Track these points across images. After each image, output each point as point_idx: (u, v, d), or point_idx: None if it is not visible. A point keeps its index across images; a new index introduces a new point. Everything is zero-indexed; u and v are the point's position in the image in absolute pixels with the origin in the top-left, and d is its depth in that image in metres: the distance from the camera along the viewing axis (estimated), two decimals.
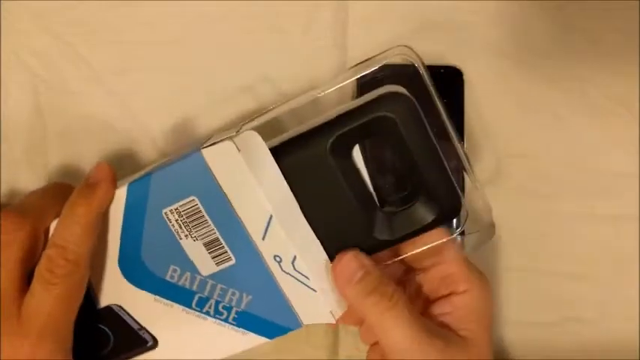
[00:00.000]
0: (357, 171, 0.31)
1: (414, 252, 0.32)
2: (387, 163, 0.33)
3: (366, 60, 0.32)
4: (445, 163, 0.30)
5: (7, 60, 0.39)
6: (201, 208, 0.31)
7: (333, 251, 0.31)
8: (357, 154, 0.31)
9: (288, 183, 0.30)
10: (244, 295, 0.32)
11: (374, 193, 0.31)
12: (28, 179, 0.39)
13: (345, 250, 0.31)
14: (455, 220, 0.33)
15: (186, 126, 0.40)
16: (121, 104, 0.39)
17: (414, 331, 0.29)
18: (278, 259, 0.31)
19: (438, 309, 0.32)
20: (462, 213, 0.32)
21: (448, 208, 0.31)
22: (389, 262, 0.32)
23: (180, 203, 0.31)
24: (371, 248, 0.31)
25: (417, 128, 0.30)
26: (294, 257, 0.31)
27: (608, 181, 0.40)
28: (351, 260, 0.30)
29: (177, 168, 0.31)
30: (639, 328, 0.39)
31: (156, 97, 0.39)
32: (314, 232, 0.31)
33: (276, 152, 0.30)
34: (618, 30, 0.40)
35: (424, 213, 0.31)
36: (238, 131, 0.30)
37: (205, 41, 0.40)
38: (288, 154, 0.30)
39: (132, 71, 0.39)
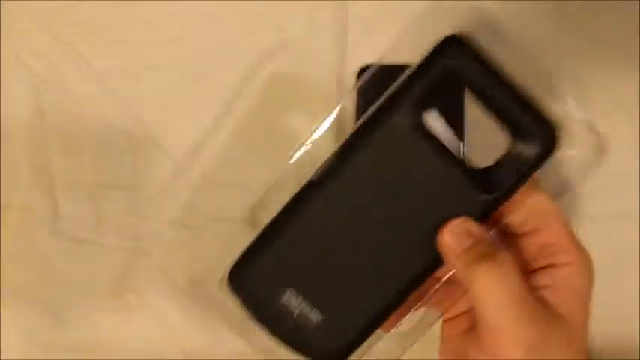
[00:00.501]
0: (437, 137, 0.29)
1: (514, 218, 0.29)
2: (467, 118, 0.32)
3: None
4: (528, 94, 0.28)
5: (7, 60, 0.39)
6: None
7: (436, 225, 0.28)
8: (434, 115, 0.29)
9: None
10: None
11: (465, 154, 0.29)
12: (29, 179, 0.39)
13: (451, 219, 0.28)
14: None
15: (186, 126, 0.40)
16: (122, 104, 0.40)
17: (521, 305, 0.27)
18: None
19: (536, 281, 0.29)
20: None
21: (546, 139, 0.28)
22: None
23: None
24: (480, 212, 0.28)
25: (484, 69, 0.28)
26: None
27: (608, 181, 0.40)
28: (460, 227, 0.28)
29: None
30: (639, 328, 0.39)
31: (156, 97, 0.39)
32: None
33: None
34: (618, 30, 0.40)
35: (523, 152, 0.28)
36: None
37: (205, 41, 0.40)
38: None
39: (132, 71, 0.39)
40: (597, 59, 0.40)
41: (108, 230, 0.39)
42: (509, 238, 0.30)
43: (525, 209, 0.29)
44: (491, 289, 0.27)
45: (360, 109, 0.39)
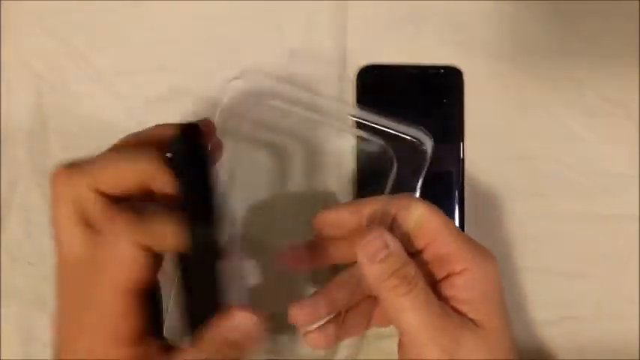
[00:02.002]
0: None
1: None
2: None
3: None
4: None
5: (8, 60, 0.39)
6: None
7: None
8: None
9: None
10: None
11: None
12: (30, 179, 0.39)
13: (373, 227, 0.30)
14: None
15: None
16: (123, 104, 0.40)
17: (428, 316, 0.28)
18: None
19: (443, 292, 0.30)
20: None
21: None
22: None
23: None
24: None
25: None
26: None
27: (607, 181, 0.40)
28: (376, 238, 0.29)
29: None
30: (639, 328, 0.39)
31: (157, 98, 0.39)
32: None
33: None
34: (617, 30, 0.40)
35: None
36: None
37: (206, 41, 0.40)
38: None
39: (133, 72, 0.39)
40: (597, 59, 0.40)
41: None
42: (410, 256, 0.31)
43: (412, 226, 0.30)
44: (410, 311, 0.28)
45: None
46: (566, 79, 0.40)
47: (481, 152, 0.40)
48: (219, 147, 0.31)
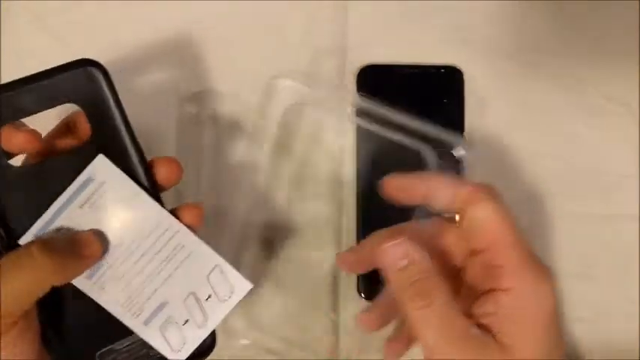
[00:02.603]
0: None
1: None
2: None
3: None
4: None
5: (7, 60, 0.39)
6: None
7: None
8: None
9: None
10: None
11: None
12: None
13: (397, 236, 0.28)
14: None
15: (186, 126, 0.40)
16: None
17: (442, 336, 0.26)
18: None
19: (481, 307, 0.28)
20: None
21: None
22: None
23: None
24: None
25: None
26: None
27: (608, 181, 0.40)
28: (397, 245, 0.28)
29: None
30: (639, 328, 0.39)
31: (156, 98, 0.39)
32: None
33: None
34: (618, 29, 0.40)
35: None
36: None
37: (205, 41, 0.40)
38: None
39: (132, 72, 0.39)
40: (598, 58, 0.40)
41: None
42: (458, 258, 0.30)
43: (473, 226, 0.28)
44: (425, 326, 0.27)
45: (361, 109, 0.39)
46: (568, 78, 0.40)
47: (481, 152, 0.40)
48: (176, 172, 0.31)
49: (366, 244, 0.33)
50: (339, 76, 0.40)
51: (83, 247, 0.29)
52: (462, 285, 0.29)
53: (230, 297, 0.31)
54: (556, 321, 0.27)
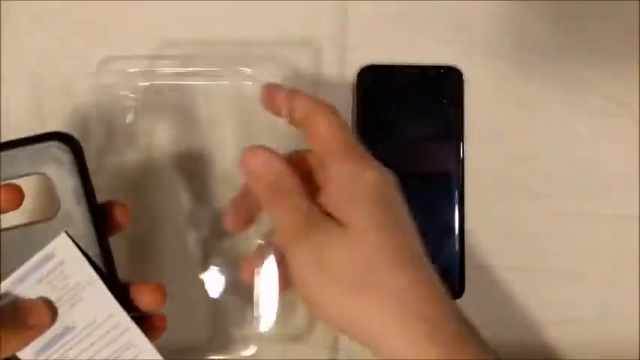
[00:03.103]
0: None
1: None
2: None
3: None
4: None
5: (7, 60, 0.39)
6: None
7: None
8: None
9: None
10: None
11: None
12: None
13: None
14: None
15: (186, 126, 0.40)
16: (123, 104, 0.39)
17: (293, 221, 0.30)
18: None
19: (321, 198, 0.31)
20: None
21: None
22: None
23: None
24: None
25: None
26: None
27: (608, 181, 0.40)
28: (259, 153, 0.31)
29: None
30: (639, 328, 0.39)
31: (157, 97, 0.39)
32: None
33: None
34: (618, 30, 0.40)
35: None
36: None
37: (205, 41, 0.40)
38: None
39: (132, 71, 0.39)
40: (598, 59, 0.40)
41: None
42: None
43: (313, 133, 0.32)
44: (280, 217, 0.30)
45: (361, 110, 0.39)
46: (567, 78, 0.40)
47: (481, 152, 0.40)
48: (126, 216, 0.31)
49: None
50: (339, 76, 0.40)
51: (29, 315, 0.28)
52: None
53: None
54: (390, 201, 0.30)
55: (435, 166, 0.39)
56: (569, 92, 0.40)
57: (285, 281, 0.32)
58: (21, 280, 0.29)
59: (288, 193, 0.30)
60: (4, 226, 0.29)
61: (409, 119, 0.39)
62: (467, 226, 0.39)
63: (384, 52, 0.40)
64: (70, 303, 0.29)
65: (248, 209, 0.33)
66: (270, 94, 0.32)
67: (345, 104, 0.40)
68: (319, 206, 0.30)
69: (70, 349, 0.29)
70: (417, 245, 0.30)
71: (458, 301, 0.39)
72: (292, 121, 0.32)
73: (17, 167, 0.29)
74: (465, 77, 0.40)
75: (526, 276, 0.39)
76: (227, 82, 0.38)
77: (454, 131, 0.39)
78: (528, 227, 0.40)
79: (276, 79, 0.34)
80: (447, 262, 0.39)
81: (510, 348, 0.40)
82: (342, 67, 0.40)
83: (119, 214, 0.31)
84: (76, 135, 0.30)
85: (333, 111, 0.32)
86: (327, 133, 0.31)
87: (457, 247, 0.39)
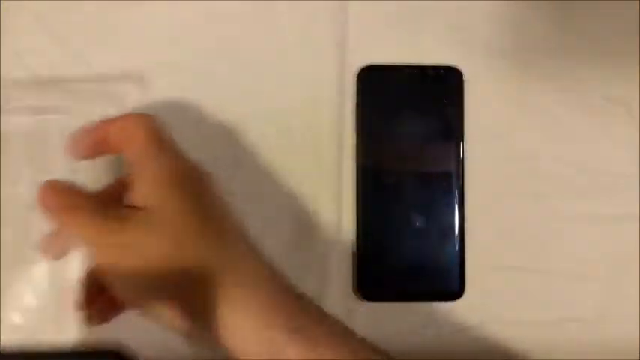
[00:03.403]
0: None
1: None
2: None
3: None
4: None
5: (7, 60, 0.39)
6: None
7: None
8: None
9: None
10: None
11: None
12: (29, 179, 0.39)
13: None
14: None
15: (186, 126, 0.39)
16: (122, 105, 0.39)
17: (95, 223, 0.30)
18: None
19: (126, 198, 0.31)
20: None
21: None
22: None
23: None
24: None
25: None
26: None
27: (608, 181, 0.40)
28: (47, 189, 0.31)
29: None
30: (639, 328, 0.39)
31: (156, 98, 0.39)
32: None
33: None
34: (618, 30, 0.40)
35: None
36: None
37: (205, 41, 0.40)
38: None
39: (132, 71, 0.39)
40: (598, 58, 0.40)
41: None
42: None
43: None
44: (79, 224, 0.30)
45: (361, 110, 0.39)
46: (567, 78, 0.40)
47: (481, 152, 0.40)
48: None
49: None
50: (339, 76, 0.40)
51: None
52: None
53: None
54: (188, 183, 0.31)
55: (435, 166, 0.39)
56: (569, 92, 0.40)
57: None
58: None
59: (77, 204, 0.31)
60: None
61: (409, 119, 0.39)
62: (467, 226, 0.39)
63: (384, 52, 0.40)
64: None
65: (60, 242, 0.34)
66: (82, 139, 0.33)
67: (345, 104, 0.40)
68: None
69: None
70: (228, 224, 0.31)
71: (458, 301, 0.39)
72: (109, 149, 0.33)
73: None
74: (465, 77, 0.40)
75: (526, 276, 0.39)
76: None
77: (454, 131, 0.39)
78: (528, 227, 0.40)
79: None
80: (447, 262, 0.39)
81: (509, 348, 0.40)
82: (342, 67, 0.40)
83: None
84: None
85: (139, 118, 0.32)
86: (134, 138, 0.32)
87: (457, 247, 0.39)
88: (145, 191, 0.30)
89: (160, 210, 0.30)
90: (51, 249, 0.34)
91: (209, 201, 0.32)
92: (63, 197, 0.31)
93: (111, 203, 0.31)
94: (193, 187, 0.31)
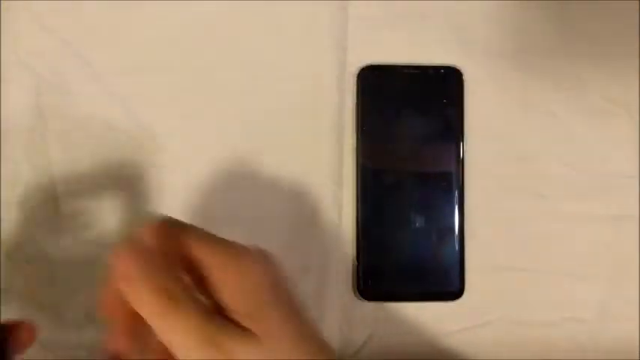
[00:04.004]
0: None
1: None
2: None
3: None
4: None
5: (7, 60, 0.39)
6: None
7: None
8: None
9: None
10: None
11: None
12: (29, 180, 0.39)
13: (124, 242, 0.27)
14: None
15: (186, 126, 0.40)
16: (122, 104, 0.39)
17: (197, 334, 0.25)
18: None
19: (220, 303, 0.26)
20: None
21: None
22: None
23: None
24: None
25: None
26: None
27: (608, 181, 0.40)
28: (128, 255, 0.26)
29: None
30: (639, 328, 0.39)
31: (156, 97, 0.39)
32: None
33: None
34: (618, 30, 0.40)
35: None
36: None
37: (205, 41, 0.40)
38: None
39: (132, 71, 0.39)
40: (598, 59, 0.40)
41: (109, 230, 0.39)
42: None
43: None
44: (165, 320, 0.25)
45: (361, 110, 0.39)
46: (567, 78, 0.40)
47: (481, 152, 0.40)
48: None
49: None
50: (339, 76, 0.40)
51: None
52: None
53: None
54: (284, 293, 0.27)
55: (435, 166, 0.39)
56: (569, 92, 0.40)
57: None
58: None
59: (180, 296, 0.25)
60: None
61: (409, 119, 0.39)
62: (467, 226, 0.39)
63: (384, 52, 0.40)
64: None
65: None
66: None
67: (345, 104, 0.40)
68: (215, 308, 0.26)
69: None
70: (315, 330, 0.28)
71: (458, 301, 0.39)
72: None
73: None
74: (465, 77, 0.40)
75: (526, 276, 0.39)
76: None
77: (454, 131, 0.39)
78: (528, 227, 0.40)
79: None
80: (447, 262, 0.39)
81: (510, 348, 0.40)
82: (342, 67, 0.40)
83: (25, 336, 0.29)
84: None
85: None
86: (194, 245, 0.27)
87: (457, 247, 0.39)
88: (240, 311, 0.26)
89: (263, 337, 0.25)
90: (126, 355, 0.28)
91: (298, 306, 0.28)
92: (162, 289, 0.25)
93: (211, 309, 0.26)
94: (286, 295, 0.27)
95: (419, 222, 0.39)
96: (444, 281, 0.39)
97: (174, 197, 0.39)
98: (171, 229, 0.27)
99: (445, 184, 0.39)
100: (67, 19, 0.40)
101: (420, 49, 0.40)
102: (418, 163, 0.39)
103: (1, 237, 0.39)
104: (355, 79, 0.40)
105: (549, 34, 0.40)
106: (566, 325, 0.39)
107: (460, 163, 0.39)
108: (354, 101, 0.40)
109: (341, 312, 0.39)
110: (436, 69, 0.40)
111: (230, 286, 0.26)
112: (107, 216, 0.39)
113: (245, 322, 0.26)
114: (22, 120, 0.39)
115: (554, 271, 0.40)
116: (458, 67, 0.40)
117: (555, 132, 0.40)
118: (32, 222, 0.39)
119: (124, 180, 0.39)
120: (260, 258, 0.27)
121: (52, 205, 0.39)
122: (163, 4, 0.40)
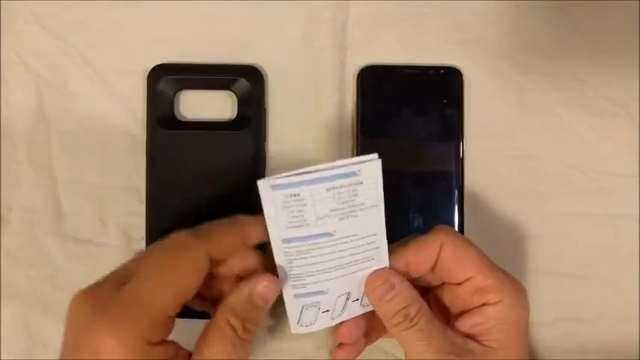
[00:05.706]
0: None
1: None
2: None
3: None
4: None
5: (8, 60, 0.40)
6: None
7: None
8: None
9: None
10: None
11: None
12: (31, 179, 0.39)
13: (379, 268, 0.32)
14: None
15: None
16: (122, 104, 0.40)
17: (430, 349, 0.31)
18: None
19: (469, 320, 0.32)
20: None
21: None
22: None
23: None
24: None
25: None
26: None
27: (608, 181, 0.40)
28: (384, 282, 0.32)
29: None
30: (639, 328, 0.39)
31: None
32: None
33: None
34: (618, 30, 0.40)
35: None
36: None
37: (205, 41, 0.40)
38: None
39: (133, 71, 0.39)
40: (597, 59, 0.40)
41: (110, 230, 0.39)
42: (445, 285, 0.34)
43: (448, 267, 0.33)
44: (413, 343, 0.31)
45: (361, 110, 0.39)
46: (567, 78, 0.40)
47: (481, 152, 0.40)
48: None
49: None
50: (339, 76, 0.40)
51: (241, 225, 0.32)
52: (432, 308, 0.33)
53: (369, 305, 0.34)
54: (528, 328, 0.33)
55: (435, 166, 0.39)
56: (568, 93, 0.40)
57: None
58: (314, 181, 0.29)
59: (418, 317, 0.31)
60: None
61: (409, 119, 0.39)
62: (467, 226, 0.39)
63: (384, 52, 0.40)
64: (342, 215, 0.30)
65: (367, 328, 0.35)
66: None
67: (345, 104, 0.40)
68: (452, 327, 0.33)
69: (320, 247, 0.31)
70: None
71: None
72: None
73: None
74: (465, 77, 0.40)
75: (526, 276, 0.39)
76: None
77: (454, 131, 0.39)
78: (528, 227, 0.40)
79: None
80: None
81: None
82: (342, 67, 0.40)
83: None
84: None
85: (451, 233, 0.33)
86: (471, 263, 0.33)
87: None
88: (495, 335, 0.32)
89: (501, 356, 0.32)
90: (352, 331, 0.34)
91: (528, 341, 0.34)
92: (398, 305, 0.32)
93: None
94: (528, 332, 0.33)
95: (418, 221, 0.39)
96: None
97: None
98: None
99: (445, 183, 0.39)
100: (67, 19, 0.40)
101: (420, 49, 0.40)
102: (418, 162, 0.39)
103: (3, 237, 0.39)
104: (355, 79, 0.40)
105: (549, 34, 0.40)
106: (565, 324, 0.40)
107: (460, 162, 0.39)
108: (354, 101, 0.40)
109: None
110: (436, 69, 0.40)
111: (503, 312, 0.32)
112: (108, 216, 0.39)
113: (490, 342, 0.32)
114: (23, 120, 0.39)
115: (554, 271, 0.40)
116: (458, 67, 0.40)
117: (555, 131, 0.40)
118: (33, 222, 0.40)
119: (125, 180, 0.39)
120: (525, 293, 0.33)
121: (53, 204, 0.39)
122: (163, 4, 0.40)
